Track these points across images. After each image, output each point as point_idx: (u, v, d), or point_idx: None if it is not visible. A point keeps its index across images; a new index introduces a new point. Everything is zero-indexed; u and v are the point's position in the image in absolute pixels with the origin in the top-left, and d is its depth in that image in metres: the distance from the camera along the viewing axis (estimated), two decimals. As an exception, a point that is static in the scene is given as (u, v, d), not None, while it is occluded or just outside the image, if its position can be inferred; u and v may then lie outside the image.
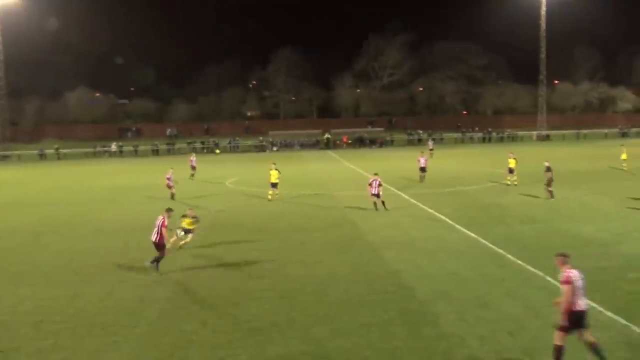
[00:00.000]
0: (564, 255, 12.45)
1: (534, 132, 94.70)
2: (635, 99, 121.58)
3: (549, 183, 33.67)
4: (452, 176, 45.54)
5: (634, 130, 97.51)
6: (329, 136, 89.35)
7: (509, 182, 38.64)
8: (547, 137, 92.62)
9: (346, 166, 57.48)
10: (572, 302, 11.95)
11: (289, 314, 15.74)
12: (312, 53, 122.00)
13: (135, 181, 49.77)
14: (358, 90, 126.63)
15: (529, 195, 34.34)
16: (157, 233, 19.80)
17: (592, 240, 23.22)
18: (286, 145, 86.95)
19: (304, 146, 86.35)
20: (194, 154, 56.48)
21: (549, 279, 18.08)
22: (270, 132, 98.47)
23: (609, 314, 15.03)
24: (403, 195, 35.74)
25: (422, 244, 23.21)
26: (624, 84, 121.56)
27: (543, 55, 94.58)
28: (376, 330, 14.39)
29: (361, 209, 31.53)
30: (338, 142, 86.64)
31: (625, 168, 46.76)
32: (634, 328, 14.11)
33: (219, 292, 17.82)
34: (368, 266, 20.25)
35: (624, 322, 14.48)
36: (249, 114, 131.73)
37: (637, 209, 29.60)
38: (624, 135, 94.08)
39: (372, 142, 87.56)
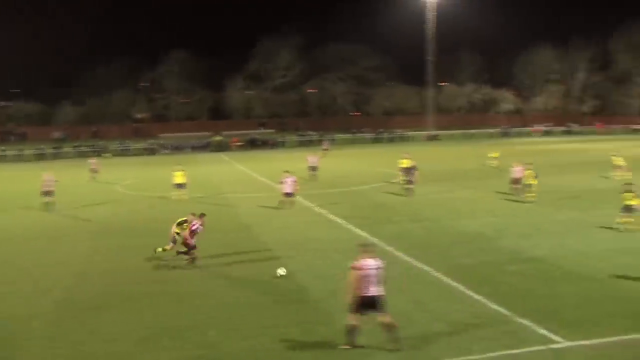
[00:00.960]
0: (364, 246, 13.94)
1: (423, 132, 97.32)
2: (515, 100, 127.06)
3: (410, 182, 35.06)
4: (344, 176, 46.25)
5: (515, 130, 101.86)
6: (221, 138, 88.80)
7: (400, 182, 39.41)
8: (436, 137, 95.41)
9: (238, 168, 57.36)
10: (360, 288, 13.13)
11: (183, 318, 15.66)
12: (204, 54, 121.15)
13: (17, 187, 47.86)
14: (250, 92, 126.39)
15: (419, 194, 35.37)
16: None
17: (476, 236, 24.24)
18: (177, 148, 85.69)
19: (195, 148, 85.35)
20: (95, 158, 56.05)
21: (436, 274, 18.79)
22: (161, 135, 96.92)
23: (493, 306, 15.75)
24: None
25: (315, 244, 23.53)
26: (506, 86, 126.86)
27: (430, 58, 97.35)
28: (271, 332, 14.53)
29: (255, 210, 31.64)
30: (230, 144, 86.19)
31: (494, 165, 49.21)
32: (513, 317, 14.87)
33: (110, 298, 17.49)
34: (263, 267, 20.36)
35: (505, 312, 15.23)
36: (138, 116, 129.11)
37: (517, 201, 31.14)
38: (505, 134, 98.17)
39: (264, 144, 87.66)
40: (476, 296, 16.59)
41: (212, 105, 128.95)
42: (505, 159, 47.97)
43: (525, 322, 14.56)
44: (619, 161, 41.10)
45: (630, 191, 25.02)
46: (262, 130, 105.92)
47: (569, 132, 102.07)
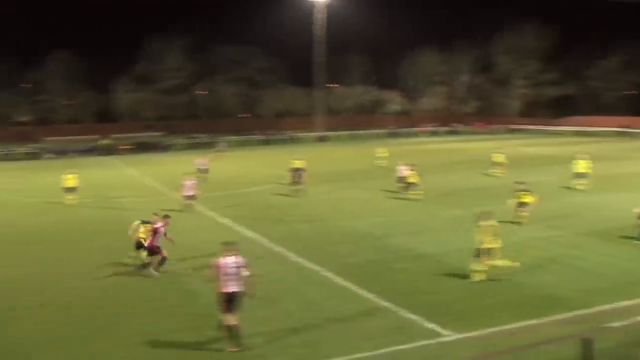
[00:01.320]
0: (226, 244, 14.16)
1: (313, 134, 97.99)
2: (402, 101, 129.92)
3: (297, 182, 35.58)
4: (234, 178, 45.89)
5: (403, 130, 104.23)
6: (108, 141, 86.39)
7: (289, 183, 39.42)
8: (325, 138, 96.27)
9: (127, 172, 55.95)
10: (220, 285, 13.57)
11: (68, 328, 15.12)
12: (88, 55, 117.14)
13: None
14: (138, 94, 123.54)
15: (309, 195, 35.56)
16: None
17: (365, 235, 24.63)
18: (62, 152, 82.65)
19: (81, 152, 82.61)
20: None
21: (326, 274, 18.95)
22: (45, 139, 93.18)
23: (384, 303, 16.04)
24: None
25: (204, 248, 23.20)
26: (392, 88, 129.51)
27: (319, 60, 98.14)
28: (162, 338, 14.26)
29: (144, 214, 30.92)
30: (118, 147, 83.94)
31: (383, 165, 50.42)
32: (403, 313, 15.19)
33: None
34: (149, 274, 19.90)
35: (395, 308, 15.54)
36: (21, 119, 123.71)
37: (404, 199, 31.87)
38: (393, 135, 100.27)
39: (153, 147, 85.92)
40: (366, 294, 16.84)
41: (98, 108, 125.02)
42: (392, 159, 48.97)
43: (414, 317, 14.91)
44: (499, 158, 42.91)
45: (526, 190, 26.06)
46: (151, 133, 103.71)
47: (453, 132, 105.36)
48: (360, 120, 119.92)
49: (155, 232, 19.76)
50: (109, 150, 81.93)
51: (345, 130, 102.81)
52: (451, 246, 22.28)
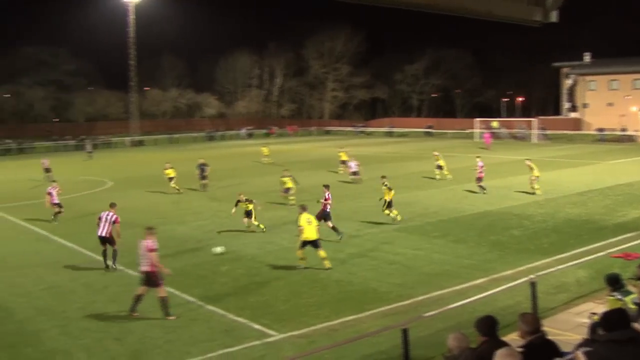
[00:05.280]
0: (148, 228, 16.43)
1: (127, 138, 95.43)
2: (218, 104, 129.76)
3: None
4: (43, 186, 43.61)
5: (219, 133, 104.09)
6: None
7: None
8: (141, 143, 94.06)
9: None
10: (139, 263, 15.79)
11: None
12: None
13: None
14: None
15: (126, 201, 34.67)
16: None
17: (187, 239, 24.45)
18: None
19: None
20: None
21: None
22: None
23: (209, 306, 16.04)
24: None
25: (14, 260, 21.97)
26: (209, 91, 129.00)
27: (132, 62, 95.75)
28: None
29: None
30: None
31: (266, 162, 54.22)
32: (232, 317, 15.28)
33: None
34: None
35: (221, 312, 15.59)
36: None
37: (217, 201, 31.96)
38: (210, 138, 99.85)
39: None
40: (190, 298, 16.77)
41: None
42: (215, 161, 48.96)
43: (240, 319, 15.05)
44: (344, 156, 44.81)
45: (389, 188, 26.91)
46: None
47: (269, 135, 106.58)
48: (177, 124, 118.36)
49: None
50: None
51: (162, 134, 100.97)
52: (273, 246, 22.68)
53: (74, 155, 72.54)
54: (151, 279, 15.43)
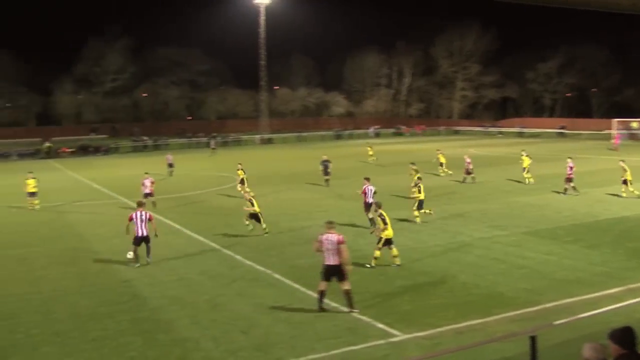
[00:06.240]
0: (328, 223, 16.21)
1: (257, 136, 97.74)
2: (346, 103, 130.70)
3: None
4: (178, 181, 45.46)
5: (347, 132, 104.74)
6: (50, 145, 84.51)
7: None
8: (270, 141, 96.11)
9: (70, 175, 54.93)
10: (323, 258, 15.70)
11: (12, 337, 14.79)
12: (29, 57, 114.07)
13: None
14: (79, 97, 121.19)
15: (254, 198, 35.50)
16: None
17: (313, 237, 24.57)
18: (2, 156, 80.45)
19: (22, 156, 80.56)
20: None
21: (276, 276, 18.97)
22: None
23: (334, 304, 16.10)
24: (128, 201, 34.94)
25: (152, 251, 22.99)
26: (337, 90, 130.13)
27: (263, 62, 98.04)
28: (109, 343, 14.06)
29: (85, 217, 30.46)
30: (59, 150, 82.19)
31: (371, 161, 54.64)
32: (356, 315, 15.29)
33: None
34: (97, 278, 19.66)
35: (345, 309, 15.62)
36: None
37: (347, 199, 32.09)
38: (338, 137, 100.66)
39: (96, 150, 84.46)
40: (315, 295, 16.89)
41: (39, 110, 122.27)
42: (341, 160, 49.35)
43: (364, 318, 15.04)
44: (442, 159, 44.73)
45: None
46: (94, 136, 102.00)
47: (398, 134, 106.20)
48: (306, 122, 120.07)
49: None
50: (49, 154, 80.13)
51: (291, 132, 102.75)
52: (399, 246, 22.53)
53: (206, 152, 74.98)
54: (339, 272, 15.45)
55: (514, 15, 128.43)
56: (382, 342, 13.56)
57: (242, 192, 35.04)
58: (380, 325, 14.51)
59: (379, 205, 20.71)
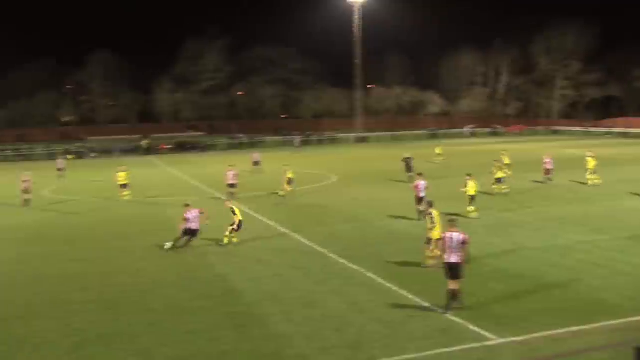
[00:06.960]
0: (451, 220, 16.03)
1: (352, 135, 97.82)
2: (442, 102, 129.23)
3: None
4: (272, 179, 45.85)
5: (442, 131, 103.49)
6: (149, 141, 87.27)
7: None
8: (365, 139, 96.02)
9: (168, 171, 56.54)
10: (443, 255, 15.59)
11: (114, 325, 15.32)
12: (130, 56, 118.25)
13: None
14: (178, 95, 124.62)
15: (349, 196, 35.55)
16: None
17: (406, 235, 24.50)
18: (105, 152, 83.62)
19: (124, 152, 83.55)
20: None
21: (370, 275, 18.90)
22: (89, 138, 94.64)
23: (427, 304, 15.94)
24: (223, 197, 35.47)
25: (246, 247, 23.36)
26: (433, 89, 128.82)
27: (358, 61, 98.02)
28: (204, 336, 14.36)
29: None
30: (158, 147, 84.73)
31: (438, 162, 53.55)
32: (449, 316, 15.07)
33: (39, 306, 16.99)
34: (193, 271, 20.14)
35: (440, 310, 15.41)
36: (64, 119, 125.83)
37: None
38: (434, 136, 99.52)
39: (194, 147, 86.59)
40: (409, 295, 16.77)
41: (140, 108, 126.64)
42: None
43: (457, 319, 14.78)
44: (507, 159, 42.29)
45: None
46: (191, 134, 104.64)
47: (494, 134, 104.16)
48: (401, 121, 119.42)
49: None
50: (148, 150, 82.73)
51: (385, 131, 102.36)
52: (492, 248, 22.05)
53: (301, 149, 75.56)
54: (458, 271, 15.36)
55: (617, 10, 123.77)
56: (476, 345, 13.29)
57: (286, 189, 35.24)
58: (474, 328, 14.23)
59: (430, 204, 20.41)
